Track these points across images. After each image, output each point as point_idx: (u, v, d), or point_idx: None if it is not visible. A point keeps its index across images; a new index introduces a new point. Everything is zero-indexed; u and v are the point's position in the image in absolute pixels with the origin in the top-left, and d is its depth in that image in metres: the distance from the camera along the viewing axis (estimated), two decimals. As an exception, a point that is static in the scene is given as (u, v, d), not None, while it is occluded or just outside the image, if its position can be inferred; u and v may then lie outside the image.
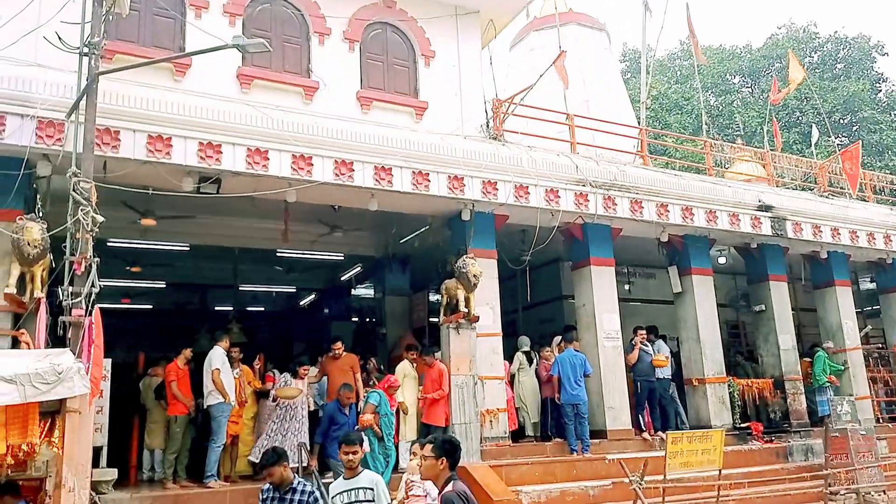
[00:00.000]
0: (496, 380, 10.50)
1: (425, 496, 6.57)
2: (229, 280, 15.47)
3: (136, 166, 8.00)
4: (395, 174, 9.42)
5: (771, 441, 12.49)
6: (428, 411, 9.92)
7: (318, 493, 5.66)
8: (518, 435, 11.26)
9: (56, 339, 7.01)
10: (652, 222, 11.69)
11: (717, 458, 9.29)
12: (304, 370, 10.03)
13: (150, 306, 17.40)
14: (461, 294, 10.14)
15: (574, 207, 10.86)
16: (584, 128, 12.78)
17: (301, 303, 18.65)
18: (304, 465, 9.10)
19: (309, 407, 9.98)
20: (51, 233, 7.37)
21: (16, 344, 7.43)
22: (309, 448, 9.35)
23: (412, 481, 6.72)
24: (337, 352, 10.31)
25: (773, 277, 13.92)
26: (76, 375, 5.65)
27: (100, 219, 6.85)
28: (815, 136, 18.16)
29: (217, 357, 9.27)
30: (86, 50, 7.01)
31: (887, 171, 22.57)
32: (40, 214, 7.59)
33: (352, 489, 5.57)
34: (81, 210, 6.69)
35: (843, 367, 14.25)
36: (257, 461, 9.30)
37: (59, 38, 6.88)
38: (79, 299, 6.55)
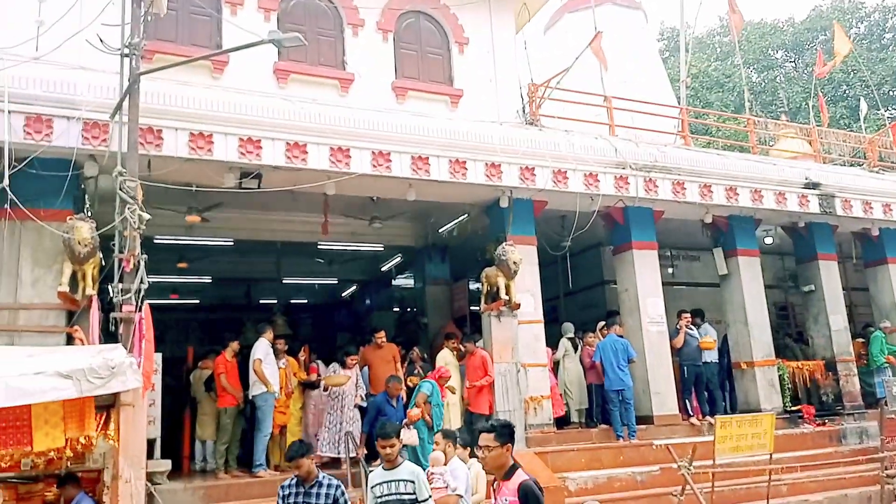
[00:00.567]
0: (539, 367, 10.46)
1: (445, 487, 6.51)
2: (273, 274, 15.68)
3: (180, 164, 8.14)
4: (432, 163, 9.42)
5: (823, 424, 12.22)
6: (474, 399, 9.93)
7: (343, 487, 5.62)
8: (563, 422, 11.22)
9: (108, 335, 7.22)
10: (695, 203, 11.48)
11: (768, 442, 9.10)
12: (353, 360, 10.03)
13: (198, 301, 17.75)
14: (502, 282, 10.11)
15: (614, 191, 10.73)
16: (623, 109, 12.59)
17: (343, 294, 18.83)
18: (353, 455, 9.21)
19: (360, 400, 9.94)
20: (100, 231, 7.56)
21: (70, 341, 7.64)
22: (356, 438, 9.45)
23: (432, 473, 6.63)
24: (379, 341, 10.36)
25: (822, 256, 13.57)
26: (129, 370, 5.79)
27: (146, 216, 7.01)
28: (863, 110, 17.57)
29: (260, 349, 9.39)
30: (126, 51, 7.15)
31: (941, 144, 21.71)
32: (89, 214, 7.80)
33: (391, 480, 5.53)
34: (128, 208, 6.84)
35: (900, 348, 13.84)
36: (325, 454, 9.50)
37: (101, 41, 7.02)
38: (129, 295, 6.70)
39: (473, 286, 12.72)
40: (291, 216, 11.64)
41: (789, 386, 12.60)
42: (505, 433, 4.25)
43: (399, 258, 14.82)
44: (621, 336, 11.09)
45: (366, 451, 9.13)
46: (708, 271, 13.73)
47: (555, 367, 11.47)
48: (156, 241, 10.89)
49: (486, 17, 11.74)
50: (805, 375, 12.96)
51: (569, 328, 11.96)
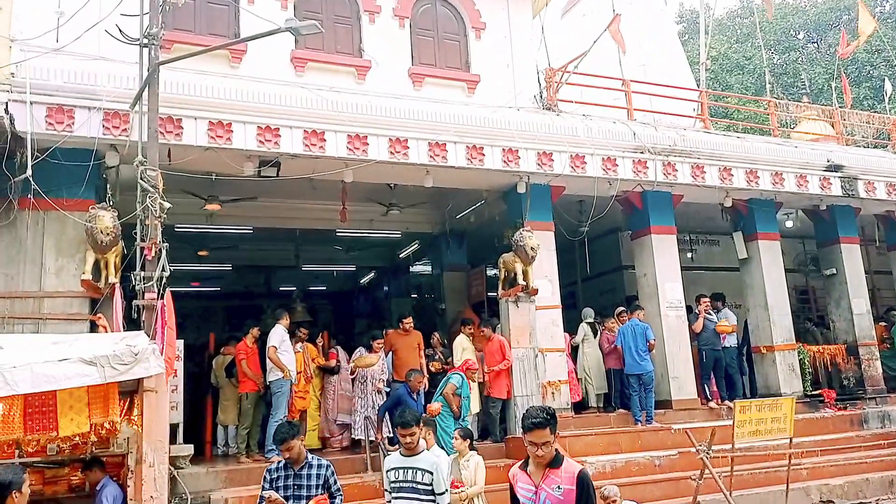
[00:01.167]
0: (557, 352, 10.48)
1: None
2: (292, 261, 15.79)
3: (199, 153, 8.22)
4: (449, 149, 9.41)
5: (844, 408, 12.12)
6: (493, 384, 9.98)
7: (332, 467, 5.49)
8: (581, 407, 11.24)
9: (131, 323, 7.33)
10: (715, 187, 11.39)
11: (788, 427, 9.06)
12: (379, 344, 10.09)
13: (219, 289, 17.94)
14: (519, 267, 10.12)
15: (632, 175, 10.66)
16: (641, 93, 12.48)
17: (361, 281, 18.93)
18: (371, 438, 9.30)
19: (382, 385, 9.97)
20: (121, 220, 7.67)
21: (94, 328, 7.77)
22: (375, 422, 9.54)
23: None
24: (406, 326, 10.37)
25: (844, 240, 13.42)
26: (151, 356, 5.89)
27: (167, 205, 7.10)
28: (888, 91, 17.22)
29: (276, 335, 9.44)
30: (145, 41, 7.20)
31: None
32: (111, 203, 7.91)
33: (409, 467, 5.37)
34: (149, 197, 6.93)
35: (924, 331, 13.68)
36: (357, 437, 9.67)
37: (120, 31, 7.08)
38: (150, 283, 6.81)
39: (491, 272, 12.73)
40: (310, 204, 11.69)
41: (810, 370, 12.51)
42: (554, 423, 4.00)
43: (416, 245, 14.86)
44: (642, 320, 11.05)
45: (389, 434, 9.21)
46: (728, 255, 13.63)
47: (573, 352, 11.48)
48: (177, 229, 11.00)
49: (503, 1, 11.66)
50: (826, 360, 12.87)
51: (589, 313, 11.95)
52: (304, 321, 11.33)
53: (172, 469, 7.58)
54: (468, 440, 7.37)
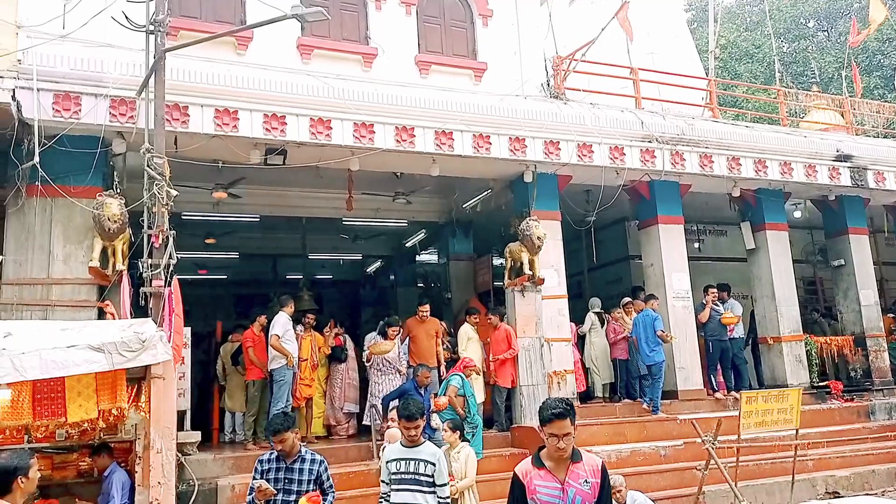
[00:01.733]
0: (563, 342, 10.47)
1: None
2: (298, 249, 15.80)
3: (206, 140, 8.21)
4: (455, 138, 9.38)
5: (851, 400, 12.09)
6: (498, 372, 9.99)
7: (326, 462, 5.34)
8: (586, 396, 11.24)
9: (138, 310, 7.36)
10: (723, 177, 11.33)
11: (794, 418, 9.03)
12: (394, 331, 10.04)
13: (226, 276, 17.99)
14: (525, 257, 10.10)
15: (640, 165, 10.61)
16: (650, 81, 12.38)
17: (368, 270, 18.94)
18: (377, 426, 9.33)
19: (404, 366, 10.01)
20: (129, 208, 7.69)
21: (101, 315, 7.80)
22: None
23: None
24: (423, 313, 10.33)
25: (852, 230, 13.34)
26: (159, 343, 5.92)
27: (174, 193, 7.11)
28: (899, 80, 17.12)
29: (279, 323, 9.46)
30: (152, 28, 7.19)
31: (980, 114, 21.07)
32: (118, 191, 7.92)
33: (410, 459, 5.26)
34: (156, 185, 6.94)
35: (933, 322, 13.63)
36: (367, 423, 9.69)
37: (126, 18, 7.06)
38: (158, 270, 6.83)
39: (497, 261, 12.71)
40: (316, 192, 11.69)
41: (817, 361, 12.48)
42: (574, 413, 3.79)
43: (423, 233, 14.85)
44: (654, 310, 11.00)
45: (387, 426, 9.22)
46: (735, 246, 13.57)
47: (580, 342, 11.47)
48: (184, 216, 11.03)
49: (511, -12, 11.61)
50: (833, 351, 12.82)
51: (596, 303, 11.94)
52: (311, 309, 11.34)
53: (180, 455, 7.62)
54: (458, 432, 7.37)
